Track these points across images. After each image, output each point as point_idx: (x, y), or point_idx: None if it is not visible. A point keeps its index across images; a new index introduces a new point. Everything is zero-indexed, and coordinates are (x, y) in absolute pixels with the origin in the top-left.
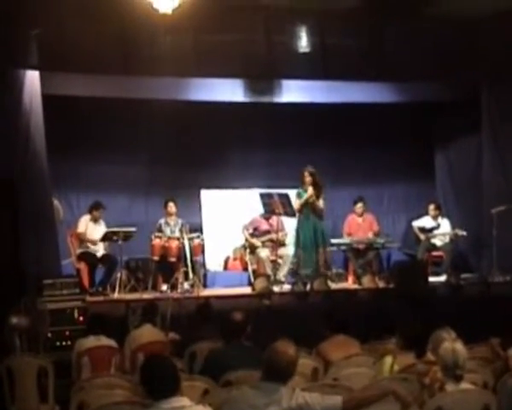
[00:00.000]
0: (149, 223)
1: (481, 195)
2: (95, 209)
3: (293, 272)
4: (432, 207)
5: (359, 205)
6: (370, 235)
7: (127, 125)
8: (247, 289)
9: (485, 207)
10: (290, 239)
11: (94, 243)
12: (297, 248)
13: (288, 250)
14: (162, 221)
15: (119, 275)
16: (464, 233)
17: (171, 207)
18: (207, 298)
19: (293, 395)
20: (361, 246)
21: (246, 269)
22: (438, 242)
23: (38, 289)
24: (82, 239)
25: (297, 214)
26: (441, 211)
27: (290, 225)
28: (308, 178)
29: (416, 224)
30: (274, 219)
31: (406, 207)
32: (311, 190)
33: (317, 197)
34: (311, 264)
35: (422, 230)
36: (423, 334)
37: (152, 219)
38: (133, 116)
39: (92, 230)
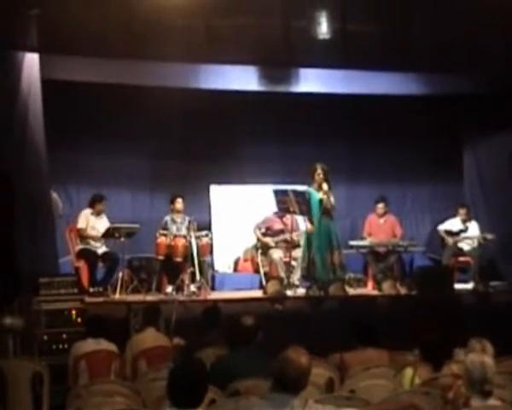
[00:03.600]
0: (154, 220)
1: None
2: (97, 202)
3: (307, 277)
4: (463, 211)
5: (380, 205)
6: (392, 239)
7: (132, 113)
8: (259, 293)
9: None
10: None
11: (96, 239)
12: (307, 251)
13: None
14: (168, 218)
15: (120, 275)
16: (494, 237)
17: (179, 203)
18: (215, 301)
19: (306, 406)
20: (382, 249)
21: (257, 271)
22: (465, 246)
23: (34, 288)
24: (83, 236)
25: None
26: (469, 213)
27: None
28: (320, 176)
29: (443, 227)
30: (288, 218)
31: (431, 208)
32: (326, 187)
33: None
34: (326, 268)
35: (449, 233)
36: (445, 345)
37: (157, 216)
38: (138, 104)
39: (94, 224)
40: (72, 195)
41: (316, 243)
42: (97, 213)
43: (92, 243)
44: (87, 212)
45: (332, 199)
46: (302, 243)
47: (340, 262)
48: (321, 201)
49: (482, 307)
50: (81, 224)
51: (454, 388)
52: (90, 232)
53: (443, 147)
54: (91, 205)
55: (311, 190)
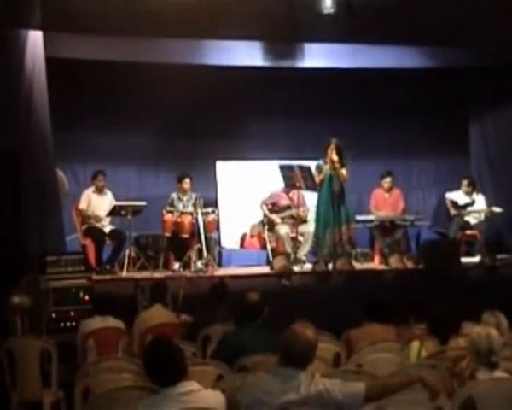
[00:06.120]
0: (160, 197)
1: None
2: (93, 179)
3: (315, 251)
4: (465, 182)
5: (387, 180)
6: (397, 212)
7: (137, 91)
8: (265, 269)
9: None
10: (312, 215)
11: (98, 219)
12: (317, 225)
13: (310, 227)
14: (174, 196)
15: (127, 252)
16: (500, 210)
17: (187, 183)
18: (222, 278)
19: (313, 381)
20: (388, 223)
21: (264, 247)
22: (472, 219)
23: (41, 266)
24: (84, 216)
25: (318, 188)
26: (475, 187)
27: (312, 200)
28: (333, 151)
29: (449, 196)
30: (295, 194)
31: (437, 183)
32: (335, 157)
33: (341, 166)
34: (331, 241)
35: (455, 205)
36: (452, 318)
37: (163, 193)
38: (143, 81)
39: (97, 202)
40: (78, 173)
41: (323, 217)
42: (99, 191)
43: (95, 223)
44: (88, 191)
45: (344, 172)
46: (313, 217)
47: (348, 238)
48: (331, 175)
49: (489, 280)
50: (82, 204)
51: (466, 359)
52: (93, 211)
53: (449, 121)
54: (92, 182)
55: (322, 163)
